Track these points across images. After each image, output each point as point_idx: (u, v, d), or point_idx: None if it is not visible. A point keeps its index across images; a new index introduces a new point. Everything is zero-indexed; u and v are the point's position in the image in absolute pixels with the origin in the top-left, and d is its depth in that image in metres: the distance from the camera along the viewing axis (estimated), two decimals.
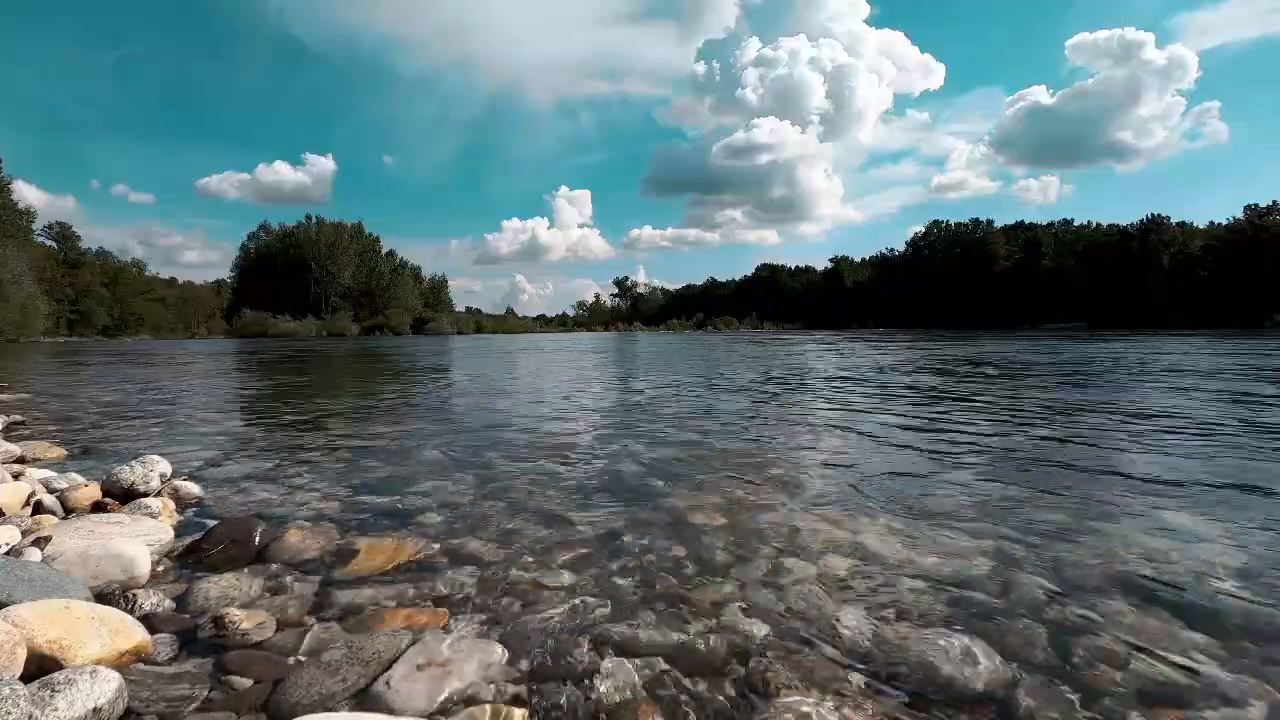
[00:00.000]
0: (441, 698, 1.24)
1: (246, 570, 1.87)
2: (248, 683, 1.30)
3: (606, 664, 1.38)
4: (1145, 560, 1.94)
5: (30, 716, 1.05)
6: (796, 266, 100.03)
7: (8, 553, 1.75)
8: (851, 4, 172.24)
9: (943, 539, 2.15)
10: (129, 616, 1.47)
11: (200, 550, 1.99)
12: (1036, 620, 1.57)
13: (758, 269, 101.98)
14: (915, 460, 3.41)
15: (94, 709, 1.11)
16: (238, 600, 1.67)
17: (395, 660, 1.35)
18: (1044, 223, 73.89)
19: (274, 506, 2.56)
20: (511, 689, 1.30)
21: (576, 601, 1.68)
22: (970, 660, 1.37)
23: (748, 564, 1.95)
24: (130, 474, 2.57)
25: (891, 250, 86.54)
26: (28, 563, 1.63)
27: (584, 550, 2.07)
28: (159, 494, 2.57)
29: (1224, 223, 57.90)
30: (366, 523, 2.36)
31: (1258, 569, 1.88)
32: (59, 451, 3.63)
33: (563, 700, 1.26)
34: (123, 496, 2.49)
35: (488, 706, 1.23)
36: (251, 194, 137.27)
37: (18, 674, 1.18)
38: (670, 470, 3.22)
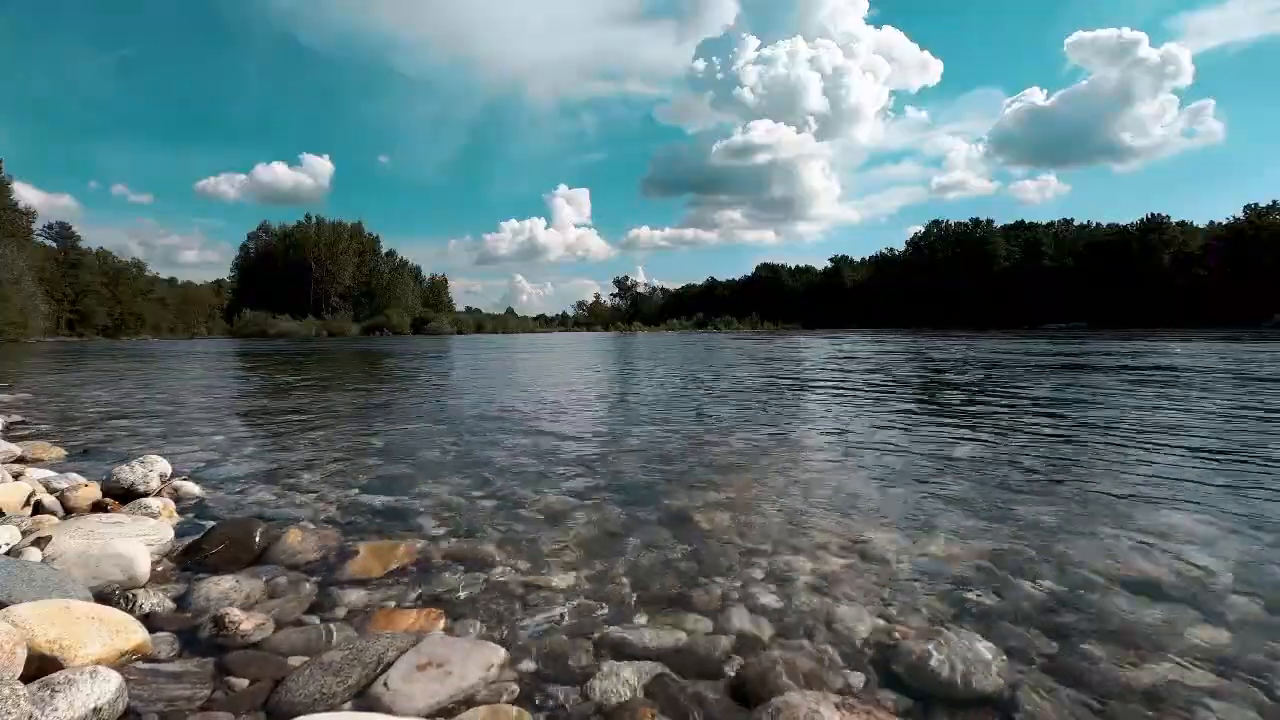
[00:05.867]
0: (441, 699, 1.24)
1: (247, 571, 1.87)
2: (248, 683, 1.30)
3: (606, 665, 1.38)
4: (1147, 561, 1.94)
5: (30, 716, 1.05)
6: (796, 266, 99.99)
7: (8, 553, 1.75)
8: (851, 3, 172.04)
9: (943, 539, 2.15)
10: (129, 616, 1.47)
11: (200, 550, 1.99)
12: (1038, 620, 1.57)
13: (758, 269, 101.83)
14: (915, 460, 3.41)
15: (94, 709, 1.11)
16: (238, 600, 1.67)
17: (395, 661, 1.35)
18: (1044, 223, 73.92)
19: (274, 507, 2.56)
20: (511, 690, 1.30)
21: (576, 602, 1.69)
22: (971, 661, 1.37)
23: (747, 564, 1.95)
24: (130, 474, 2.57)
25: (891, 250, 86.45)
26: (28, 563, 1.63)
27: (584, 551, 2.07)
28: (159, 494, 2.57)
29: (1224, 222, 57.89)
30: (367, 524, 2.36)
31: (1257, 569, 1.88)
32: (59, 451, 3.63)
33: (563, 701, 1.26)
34: (123, 496, 2.49)
35: (488, 708, 1.23)
36: (251, 194, 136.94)
37: (18, 674, 1.17)
38: (669, 470, 3.22)
